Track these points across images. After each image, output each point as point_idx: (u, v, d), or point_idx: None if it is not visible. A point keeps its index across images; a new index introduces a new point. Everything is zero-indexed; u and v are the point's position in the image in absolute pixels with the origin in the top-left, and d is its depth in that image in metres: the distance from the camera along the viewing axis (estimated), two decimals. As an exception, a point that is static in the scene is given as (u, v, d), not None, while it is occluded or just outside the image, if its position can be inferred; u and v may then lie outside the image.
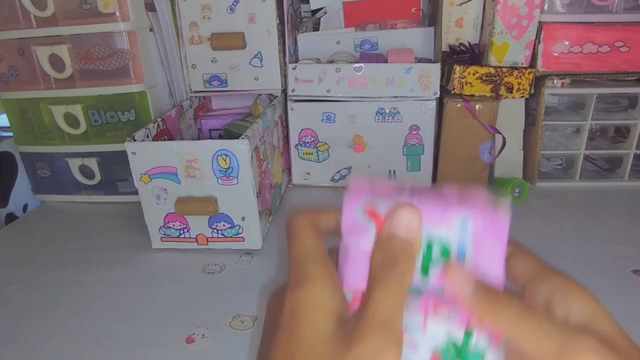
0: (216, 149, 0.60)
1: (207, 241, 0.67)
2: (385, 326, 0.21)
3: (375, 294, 0.22)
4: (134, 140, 0.63)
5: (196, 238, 0.67)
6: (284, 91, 0.85)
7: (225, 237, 0.66)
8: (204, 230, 0.66)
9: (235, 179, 0.62)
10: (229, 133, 0.80)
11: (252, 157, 0.61)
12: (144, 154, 0.62)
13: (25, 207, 0.87)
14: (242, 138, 0.60)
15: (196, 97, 0.88)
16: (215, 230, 0.66)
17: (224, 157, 0.60)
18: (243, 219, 0.65)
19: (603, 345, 0.22)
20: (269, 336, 0.27)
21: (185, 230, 0.66)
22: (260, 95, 0.87)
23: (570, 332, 0.23)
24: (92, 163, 0.82)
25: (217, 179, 0.62)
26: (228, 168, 0.61)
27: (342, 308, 0.22)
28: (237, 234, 0.66)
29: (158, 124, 0.71)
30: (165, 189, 0.64)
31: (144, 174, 0.63)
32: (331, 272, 0.23)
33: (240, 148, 0.60)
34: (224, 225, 0.66)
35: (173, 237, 0.67)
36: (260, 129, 0.67)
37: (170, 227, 0.67)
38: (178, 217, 0.65)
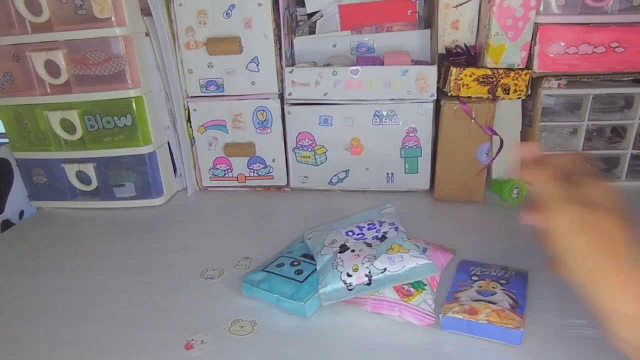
0: (256, 106, 0.82)
1: (245, 179, 0.87)
2: None
3: None
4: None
5: (237, 177, 0.88)
6: (281, 95, 0.85)
7: (260, 175, 0.87)
8: (243, 170, 0.87)
9: (269, 129, 0.83)
10: None
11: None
12: (202, 110, 0.84)
13: (21, 214, 0.86)
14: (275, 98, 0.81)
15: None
16: (252, 170, 0.86)
17: (262, 112, 0.82)
18: (274, 160, 0.85)
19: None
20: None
21: (229, 170, 0.88)
22: None
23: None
24: (89, 169, 0.82)
25: (256, 129, 0.83)
26: (264, 120, 0.82)
27: None
28: (268, 173, 0.86)
29: None
30: (216, 138, 0.86)
31: (201, 127, 0.85)
32: None
33: (273, 105, 0.81)
34: (258, 166, 0.86)
35: (219, 176, 0.89)
36: None
37: (217, 169, 0.88)
38: (224, 160, 0.87)
